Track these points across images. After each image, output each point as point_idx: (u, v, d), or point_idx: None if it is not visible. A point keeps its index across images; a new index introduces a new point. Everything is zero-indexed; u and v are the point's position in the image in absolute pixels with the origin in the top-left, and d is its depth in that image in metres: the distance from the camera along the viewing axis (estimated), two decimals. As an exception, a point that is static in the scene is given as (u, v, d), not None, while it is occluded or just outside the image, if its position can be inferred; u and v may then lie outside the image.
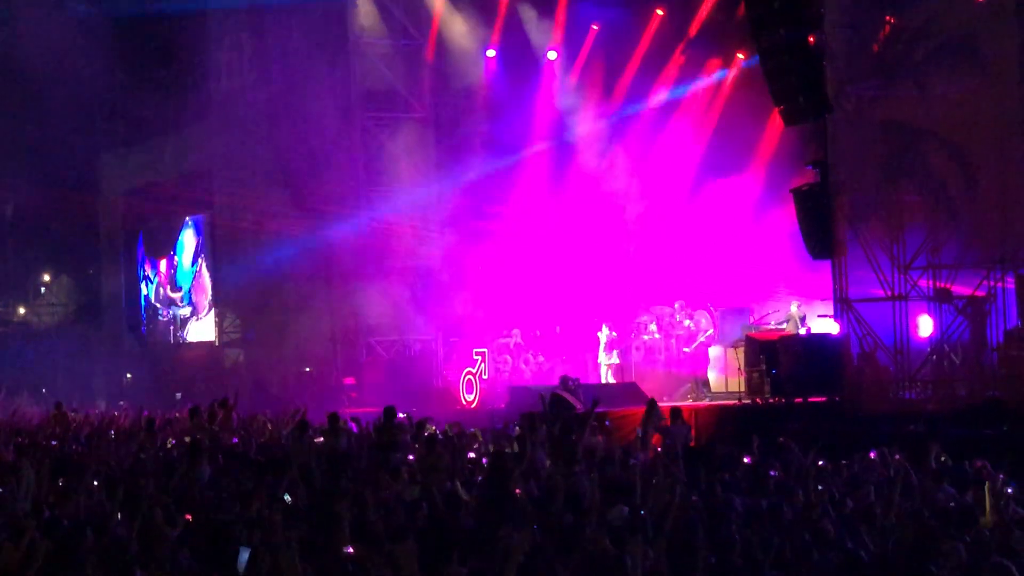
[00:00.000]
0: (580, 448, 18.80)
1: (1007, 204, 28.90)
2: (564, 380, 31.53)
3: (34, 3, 42.19)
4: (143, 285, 52.39)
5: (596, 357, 35.65)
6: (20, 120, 44.46)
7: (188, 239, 49.49)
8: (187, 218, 49.11)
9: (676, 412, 24.37)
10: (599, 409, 28.78)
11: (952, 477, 17.08)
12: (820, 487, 16.31)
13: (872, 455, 18.88)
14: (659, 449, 21.88)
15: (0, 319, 55.44)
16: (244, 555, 12.70)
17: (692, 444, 23.96)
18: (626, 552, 11.97)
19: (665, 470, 17.39)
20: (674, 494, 14.61)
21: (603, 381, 34.88)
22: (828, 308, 30.96)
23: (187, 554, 13.43)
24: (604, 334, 35.48)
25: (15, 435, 25.56)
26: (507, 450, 18.53)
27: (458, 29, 41.41)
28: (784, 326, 32.30)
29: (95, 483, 17.47)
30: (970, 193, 29.46)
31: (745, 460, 19.56)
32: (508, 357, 36.97)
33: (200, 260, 48.78)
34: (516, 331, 37.45)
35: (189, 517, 15.11)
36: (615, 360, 35.32)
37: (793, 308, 32.71)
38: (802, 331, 31.82)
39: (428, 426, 23.61)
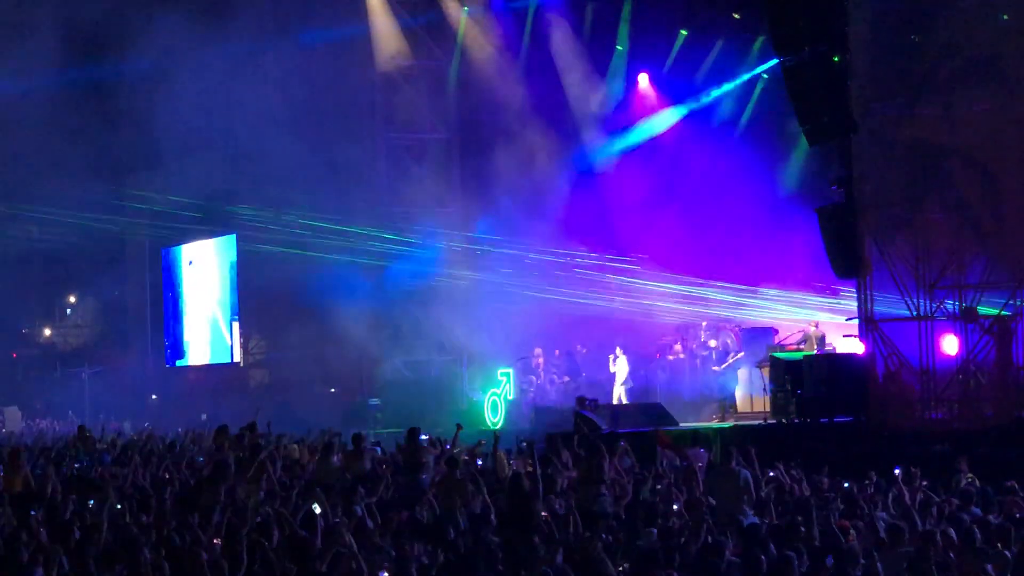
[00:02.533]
0: (607, 469, 18.79)
1: (1034, 222, 28.78)
2: (581, 400, 31.51)
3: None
4: (169, 305, 52.51)
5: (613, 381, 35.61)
6: (45, 141, 44.61)
7: (213, 259, 49.61)
8: (212, 239, 49.22)
9: (696, 435, 24.31)
10: (623, 430, 28.96)
11: (979, 497, 17.05)
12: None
13: (896, 472, 18.84)
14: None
15: (26, 341, 55.66)
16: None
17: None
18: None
19: (689, 494, 17.41)
20: (699, 518, 14.62)
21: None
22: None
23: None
24: (620, 361, 35.44)
25: (39, 456, 25.61)
26: (531, 470, 18.48)
27: (483, 50, 41.47)
28: (802, 347, 32.22)
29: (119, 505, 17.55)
30: (996, 212, 29.30)
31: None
32: (533, 378, 36.95)
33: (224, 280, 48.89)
34: (538, 351, 37.42)
35: (218, 541, 15.13)
36: (629, 384, 35.30)
37: (811, 328, 32.63)
38: (819, 350, 31.71)
39: (454, 448, 23.58)
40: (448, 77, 43.14)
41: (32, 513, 17.23)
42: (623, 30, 39.96)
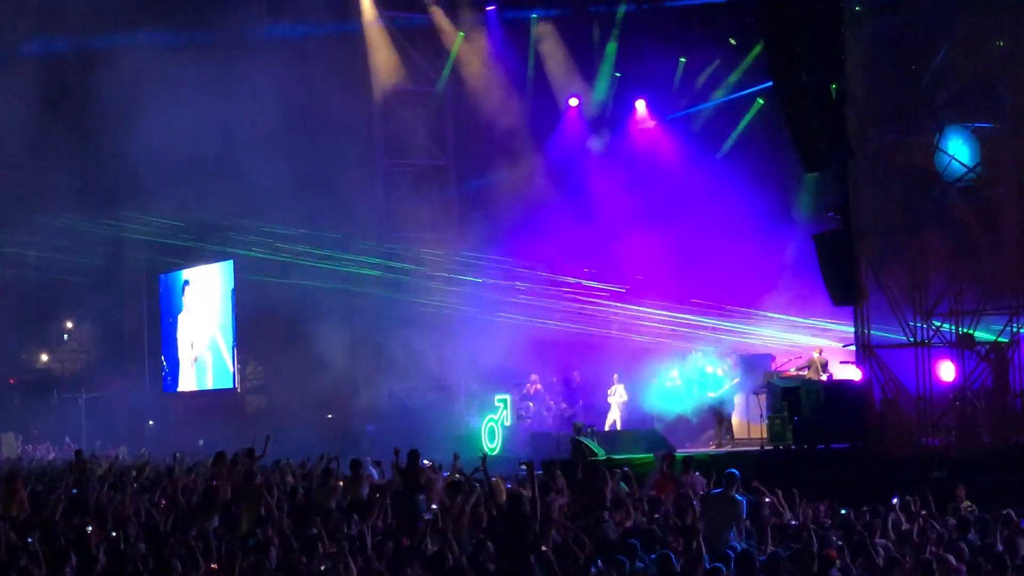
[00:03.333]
0: (607, 495, 18.77)
1: (1030, 249, 28.78)
2: (577, 427, 31.52)
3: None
4: (166, 331, 52.47)
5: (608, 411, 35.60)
6: (44, 165, 44.68)
7: (210, 285, 49.60)
8: (210, 264, 49.19)
9: (691, 461, 24.26)
10: (620, 456, 28.99)
11: (977, 524, 17.04)
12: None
13: (894, 501, 18.82)
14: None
15: (23, 366, 55.57)
16: None
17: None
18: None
19: (683, 520, 17.39)
20: (692, 545, 14.62)
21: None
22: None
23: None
24: (618, 389, 35.48)
25: (35, 482, 25.57)
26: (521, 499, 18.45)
27: (480, 76, 41.56)
28: (805, 373, 32.22)
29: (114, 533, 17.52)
30: (992, 238, 29.31)
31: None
32: (530, 404, 36.91)
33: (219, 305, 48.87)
34: (535, 377, 37.39)
35: (215, 567, 15.12)
36: (620, 414, 35.34)
37: (815, 355, 32.62)
38: (823, 377, 31.73)
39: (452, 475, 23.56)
40: (444, 102, 43.24)
41: (29, 540, 17.18)
42: (617, 54, 40.13)
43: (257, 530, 18.12)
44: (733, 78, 38.28)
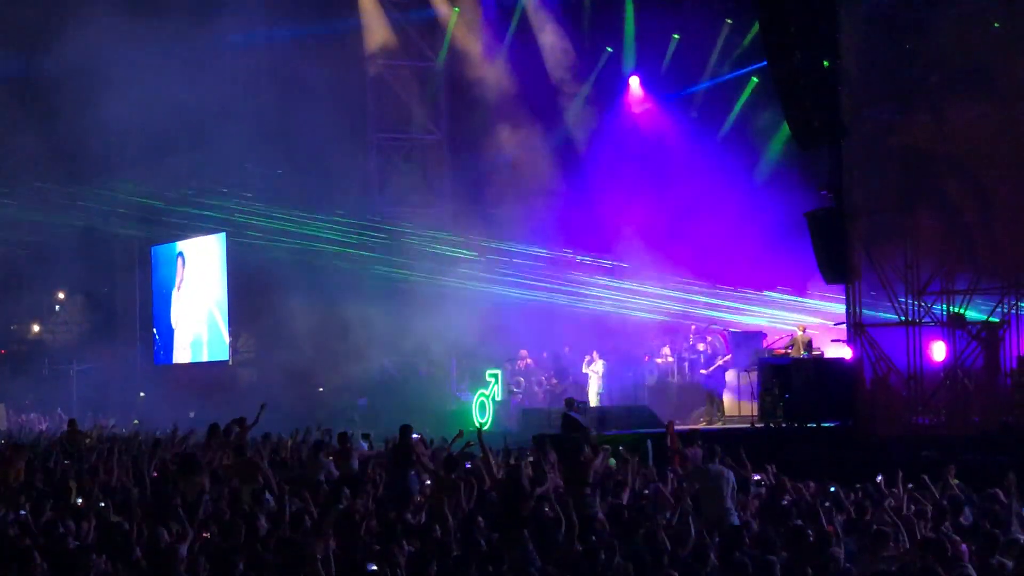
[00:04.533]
0: (592, 471, 18.79)
1: (1022, 230, 28.82)
2: (570, 402, 31.52)
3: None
4: (158, 303, 52.47)
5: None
6: (36, 139, 44.57)
7: (203, 257, 49.59)
8: (202, 236, 49.18)
9: (692, 437, 24.33)
10: (610, 432, 29.03)
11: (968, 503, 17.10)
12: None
13: (879, 479, 18.87)
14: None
15: (15, 337, 55.55)
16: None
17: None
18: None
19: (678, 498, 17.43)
20: (687, 523, 14.66)
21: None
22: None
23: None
24: (596, 365, 35.47)
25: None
26: (521, 472, 18.45)
27: (474, 51, 41.50)
28: (789, 352, 32.25)
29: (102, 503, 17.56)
30: (985, 219, 29.37)
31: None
32: (521, 379, 36.95)
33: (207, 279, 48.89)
34: (524, 352, 37.41)
35: (207, 535, 15.15)
36: (600, 389, 35.34)
37: (799, 332, 32.67)
38: (807, 355, 31.75)
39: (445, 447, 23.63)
40: (438, 77, 43.21)
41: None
42: (611, 30, 40.11)
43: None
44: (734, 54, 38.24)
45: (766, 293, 36.24)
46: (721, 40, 38.27)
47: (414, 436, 23.79)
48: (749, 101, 37.79)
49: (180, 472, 19.42)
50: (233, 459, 21.61)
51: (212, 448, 23.60)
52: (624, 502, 18.34)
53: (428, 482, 20.56)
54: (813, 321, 33.95)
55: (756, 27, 33.50)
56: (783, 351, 32.50)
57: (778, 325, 35.37)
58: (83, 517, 16.45)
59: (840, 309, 30.69)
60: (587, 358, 35.70)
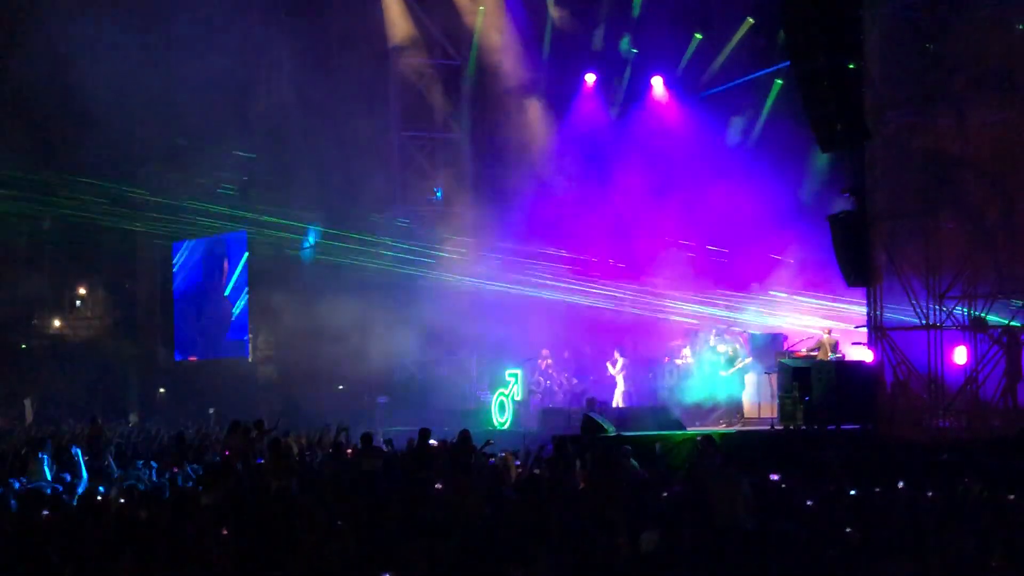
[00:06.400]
0: (615, 472, 18.81)
1: (1044, 234, 28.80)
2: (591, 402, 31.53)
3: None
4: (179, 300, 52.56)
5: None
6: (59, 134, 44.70)
7: (225, 254, 49.65)
8: (224, 234, 49.25)
9: (709, 440, 24.28)
10: (630, 432, 29.03)
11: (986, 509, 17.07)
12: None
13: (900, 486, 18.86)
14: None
15: (35, 332, 55.64)
16: None
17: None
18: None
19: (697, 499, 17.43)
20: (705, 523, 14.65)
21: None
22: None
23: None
24: (618, 365, 35.46)
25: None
26: (540, 472, 18.49)
27: (498, 49, 41.50)
28: (816, 354, 32.19)
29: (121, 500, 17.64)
30: (1007, 222, 29.31)
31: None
32: (541, 379, 36.97)
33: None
34: (546, 352, 37.43)
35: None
36: (623, 387, 35.35)
37: (824, 336, 32.61)
38: (833, 358, 31.70)
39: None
40: (463, 76, 43.21)
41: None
42: (635, 30, 40.08)
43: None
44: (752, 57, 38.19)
45: (786, 295, 36.16)
46: (739, 38, 38.25)
47: (431, 442, 23.88)
48: (774, 103, 37.72)
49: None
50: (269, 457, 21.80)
51: (234, 447, 23.71)
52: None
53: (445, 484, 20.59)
54: (834, 324, 33.87)
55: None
56: (808, 353, 32.42)
57: (798, 327, 35.30)
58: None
59: (861, 312, 30.61)
60: (609, 363, 35.71)
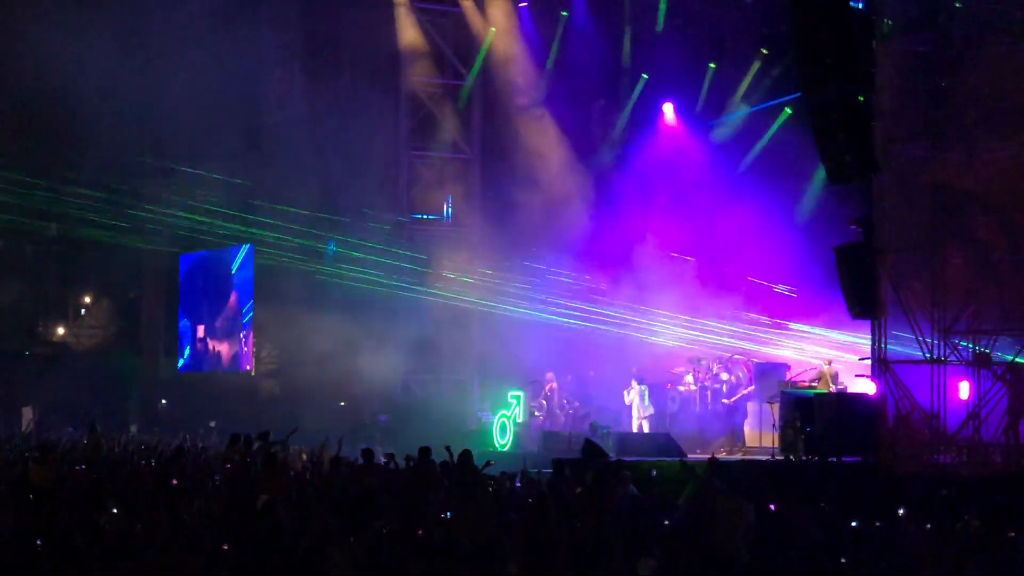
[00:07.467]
0: (612, 498, 18.77)
1: (1051, 271, 28.75)
2: (594, 427, 31.46)
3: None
4: (183, 311, 52.60)
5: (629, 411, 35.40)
6: (67, 144, 44.78)
7: (229, 267, 49.70)
8: (229, 247, 49.31)
9: (714, 465, 24.22)
10: (631, 459, 28.97)
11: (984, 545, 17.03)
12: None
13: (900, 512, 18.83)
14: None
15: (39, 339, 55.69)
16: None
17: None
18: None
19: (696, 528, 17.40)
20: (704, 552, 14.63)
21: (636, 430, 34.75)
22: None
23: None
24: (636, 390, 35.28)
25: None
26: (540, 494, 18.46)
27: (508, 72, 41.57)
28: (816, 385, 32.18)
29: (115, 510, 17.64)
30: (1014, 259, 29.28)
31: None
32: (543, 401, 36.91)
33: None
34: (550, 375, 37.38)
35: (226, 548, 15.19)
36: (651, 411, 35.11)
37: (825, 367, 32.59)
38: (834, 389, 31.69)
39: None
40: (472, 96, 43.26)
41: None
42: (646, 57, 40.13)
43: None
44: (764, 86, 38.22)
45: (791, 325, 36.17)
46: (753, 70, 38.27)
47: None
48: (780, 132, 37.71)
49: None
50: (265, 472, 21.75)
51: (233, 459, 23.70)
52: None
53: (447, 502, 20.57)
54: (836, 355, 33.84)
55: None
56: (809, 384, 32.41)
57: (801, 357, 35.30)
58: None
59: (865, 344, 30.58)
60: (626, 391, 35.48)
